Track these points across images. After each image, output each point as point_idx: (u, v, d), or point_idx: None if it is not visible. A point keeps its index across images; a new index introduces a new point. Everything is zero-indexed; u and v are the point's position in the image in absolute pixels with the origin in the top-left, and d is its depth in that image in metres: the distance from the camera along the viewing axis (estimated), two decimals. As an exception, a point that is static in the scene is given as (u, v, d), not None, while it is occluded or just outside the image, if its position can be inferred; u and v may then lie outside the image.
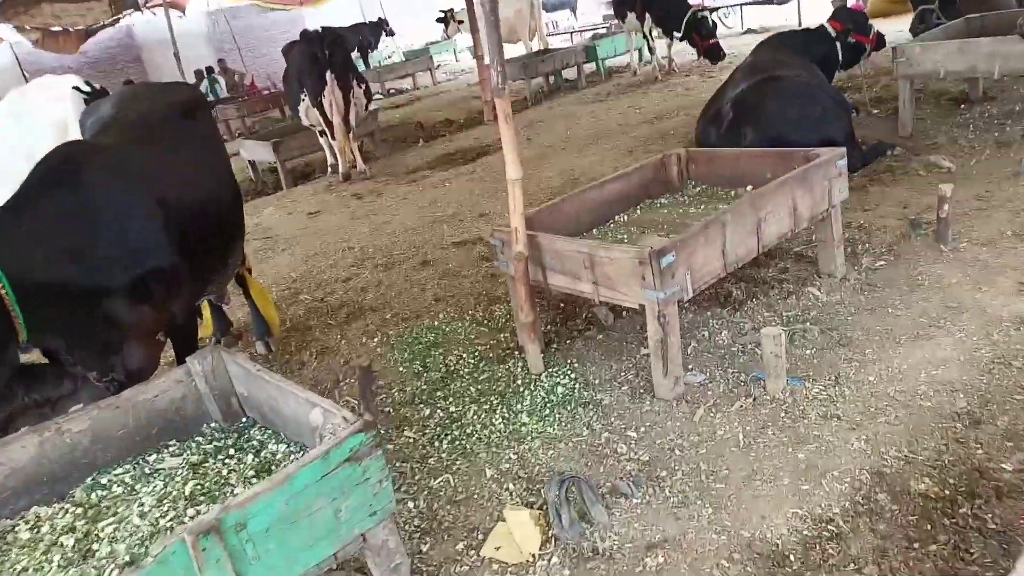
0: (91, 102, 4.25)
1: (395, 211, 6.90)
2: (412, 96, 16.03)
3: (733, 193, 3.99)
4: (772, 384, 2.97)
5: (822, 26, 6.10)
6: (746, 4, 16.81)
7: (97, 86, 5.04)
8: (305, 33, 8.06)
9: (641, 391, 3.16)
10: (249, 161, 9.80)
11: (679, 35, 10.08)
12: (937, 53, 5.55)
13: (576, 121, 9.38)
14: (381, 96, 17.03)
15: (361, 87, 8.09)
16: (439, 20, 16.97)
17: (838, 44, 6.02)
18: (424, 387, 3.58)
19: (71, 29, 16.90)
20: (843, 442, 2.62)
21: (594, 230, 3.92)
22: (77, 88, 5.13)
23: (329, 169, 9.13)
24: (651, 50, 10.83)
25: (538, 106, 11.55)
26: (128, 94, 3.45)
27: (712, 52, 10.11)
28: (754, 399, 2.96)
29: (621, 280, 2.98)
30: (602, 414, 3.06)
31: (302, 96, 7.88)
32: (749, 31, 15.07)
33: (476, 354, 3.82)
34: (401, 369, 3.83)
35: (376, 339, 4.24)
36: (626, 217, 4.01)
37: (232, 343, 4.57)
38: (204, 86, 19.55)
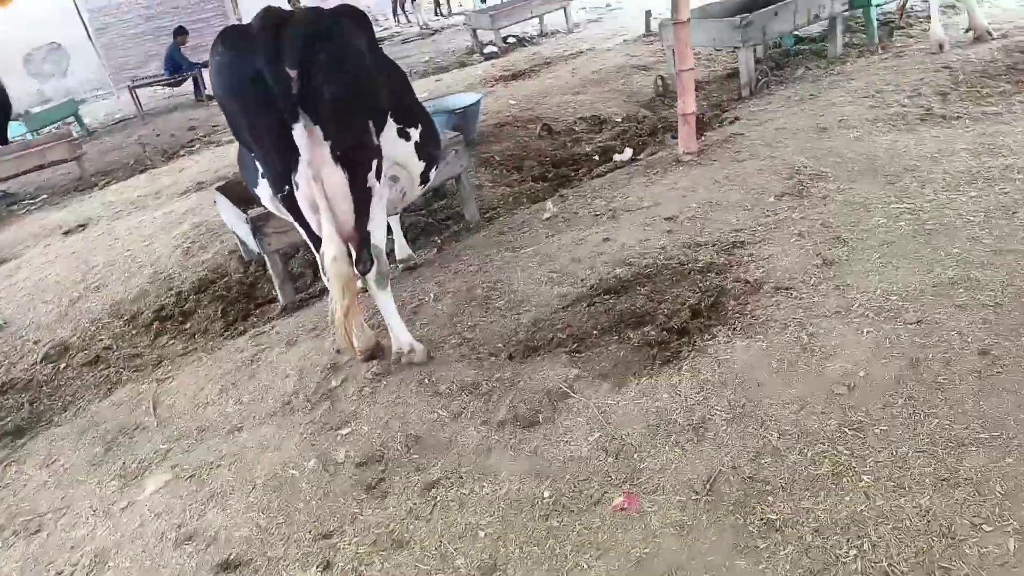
0: None
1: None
2: (538, 56, 10.82)
3: None
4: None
5: None
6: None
7: None
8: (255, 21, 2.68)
9: None
10: (235, 235, 5.12)
11: None
12: None
13: (925, 168, 3.98)
14: (496, 51, 11.89)
15: (411, 134, 3.12)
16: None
17: None
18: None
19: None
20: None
21: None
22: None
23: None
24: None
25: (766, 97, 6.21)
26: None
27: None
28: None
29: None
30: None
31: (258, 174, 3.06)
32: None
33: None
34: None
35: None
36: None
37: None
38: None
